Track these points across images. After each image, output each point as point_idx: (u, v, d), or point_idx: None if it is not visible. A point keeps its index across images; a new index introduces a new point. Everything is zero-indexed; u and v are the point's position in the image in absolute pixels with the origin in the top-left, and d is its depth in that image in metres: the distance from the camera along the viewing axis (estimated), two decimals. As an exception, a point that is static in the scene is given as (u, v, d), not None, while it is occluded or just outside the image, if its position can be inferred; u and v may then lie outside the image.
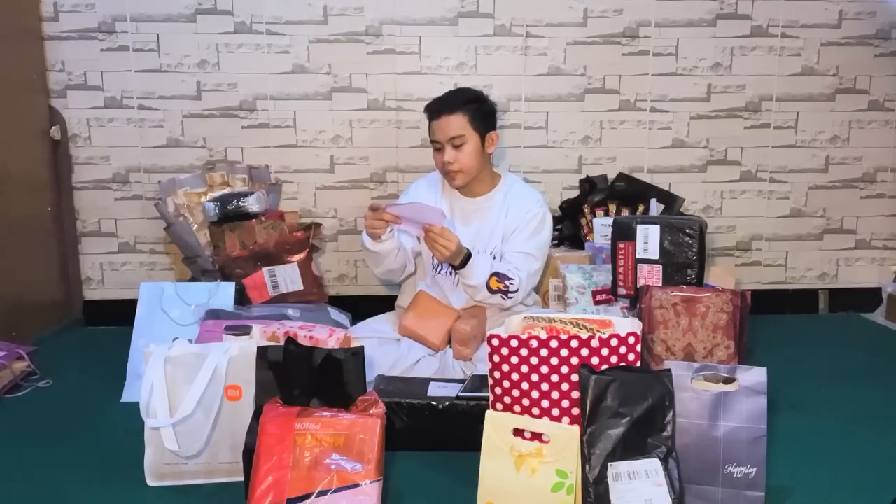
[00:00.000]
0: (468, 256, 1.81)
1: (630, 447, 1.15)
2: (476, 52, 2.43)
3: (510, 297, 1.86)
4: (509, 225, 1.93)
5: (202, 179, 2.32)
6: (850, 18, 2.49)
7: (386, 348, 1.83)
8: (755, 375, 1.21)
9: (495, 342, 1.29)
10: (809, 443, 1.53)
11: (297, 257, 2.13)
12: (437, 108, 1.90)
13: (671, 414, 1.18)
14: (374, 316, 2.06)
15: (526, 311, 1.71)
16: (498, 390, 1.31)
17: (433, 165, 1.98)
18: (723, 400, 1.22)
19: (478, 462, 1.18)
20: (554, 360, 1.26)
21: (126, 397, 1.76)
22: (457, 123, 1.86)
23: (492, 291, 1.84)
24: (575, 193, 2.47)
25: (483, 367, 1.50)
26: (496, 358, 1.29)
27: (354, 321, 2.08)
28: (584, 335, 1.27)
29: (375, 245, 1.86)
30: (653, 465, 1.14)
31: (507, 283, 1.84)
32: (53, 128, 2.34)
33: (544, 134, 2.49)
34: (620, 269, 1.83)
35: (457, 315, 1.91)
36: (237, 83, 2.39)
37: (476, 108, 1.90)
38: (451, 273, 1.92)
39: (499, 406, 1.31)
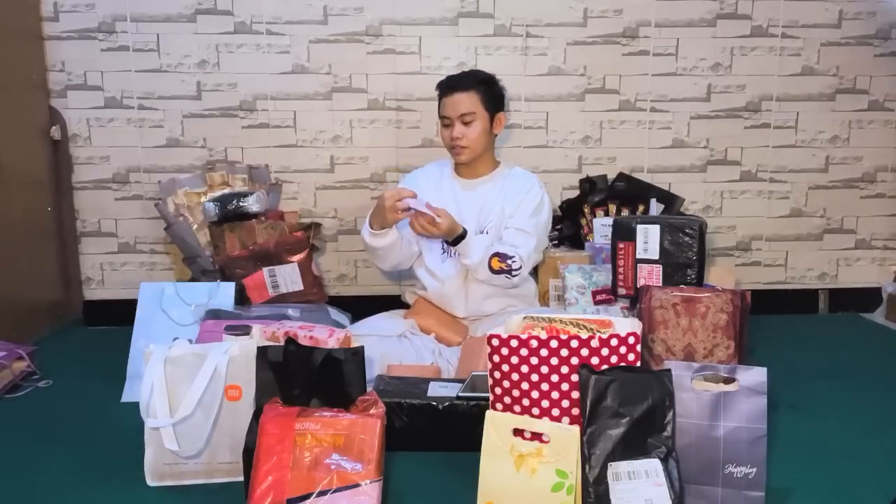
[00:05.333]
0: (463, 235, 1.85)
1: (630, 447, 1.15)
2: (476, 52, 2.43)
3: (514, 276, 1.89)
4: (509, 205, 1.97)
5: (202, 179, 2.32)
6: (850, 18, 2.49)
7: (386, 345, 1.82)
8: (755, 375, 1.21)
9: (495, 342, 1.29)
10: (809, 443, 1.53)
11: (297, 257, 2.13)
12: (451, 85, 1.97)
13: (671, 414, 1.18)
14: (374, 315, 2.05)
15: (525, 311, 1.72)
16: (498, 390, 1.31)
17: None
18: (723, 400, 1.21)
19: (478, 462, 1.18)
20: (554, 360, 1.26)
21: (126, 397, 1.76)
22: (469, 101, 1.94)
23: (494, 272, 1.87)
24: (575, 193, 2.47)
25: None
26: (496, 358, 1.29)
27: (354, 321, 2.08)
28: (584, 335, 1.27)
29: (378, 240, 1.90)
30: (653, 465, 1.14)
31: (508, 261, 1.87)
32: (53, 128, 2.34)
33: (544, 134, 2.49)
34: (620, 269, 1.83)
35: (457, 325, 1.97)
36: (237, 83, 2.39)
37: (487, 88, 1.97)
38: (454, 253, 1.94)
39: (499, 406, 1.31)
